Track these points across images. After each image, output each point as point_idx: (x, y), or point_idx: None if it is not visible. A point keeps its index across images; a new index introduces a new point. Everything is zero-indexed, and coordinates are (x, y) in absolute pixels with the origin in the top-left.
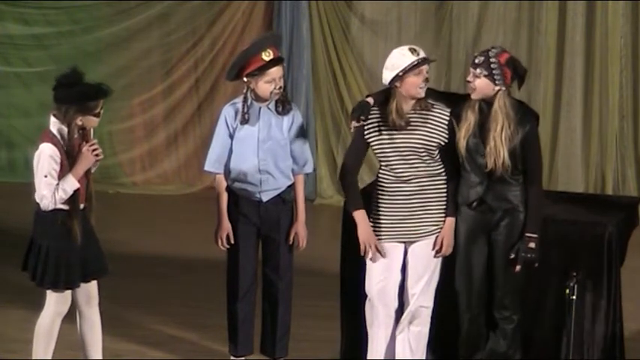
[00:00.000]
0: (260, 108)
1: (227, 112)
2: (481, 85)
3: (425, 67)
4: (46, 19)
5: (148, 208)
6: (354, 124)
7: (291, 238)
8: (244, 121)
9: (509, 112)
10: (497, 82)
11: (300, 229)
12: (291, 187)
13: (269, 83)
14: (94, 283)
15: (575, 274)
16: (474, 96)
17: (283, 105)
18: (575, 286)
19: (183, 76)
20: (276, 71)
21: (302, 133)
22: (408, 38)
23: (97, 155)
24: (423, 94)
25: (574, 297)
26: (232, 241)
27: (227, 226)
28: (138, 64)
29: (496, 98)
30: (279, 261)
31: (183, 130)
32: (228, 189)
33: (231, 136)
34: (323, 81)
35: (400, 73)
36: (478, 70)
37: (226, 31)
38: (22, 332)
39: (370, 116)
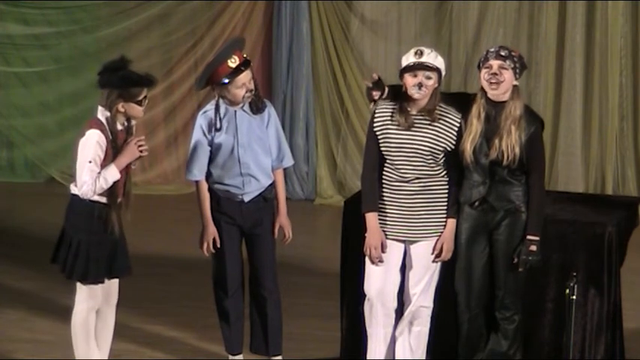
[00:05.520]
0: (235, 112)
1: (201, 122)
2: (509, 77)
3: (421, 72)
4: (46, 19)
5: (148, 208)
6: (373, 104)
7: (276, 231)
8: (217, 130)
9: (522, 107)
10: (517, 75)
11: (284, 220)
12: (272, 186)
13: (240, 89)
14: (115, 282)
15: (575, 274)
16: (498, 91)
17: (257, 105)
18: (575, 286)
19: (183, 76)
20: (244, 76)
21: (279, 128)
22: (408, 38)
23: (141, 151)
24: (417, 97)
25: (574, 297)
26: (218, 246)
27: (213, 230)
28: (138, 64)
29: (514, 93)
30: (263, 258)
31: (183, 130)
32: (210, 190)
33: (210, 144)
34: (323, 81)
35: (400, 71)
36: (508, 62)
37: (226, 31)
38: (22, 332)
39: (381, 112)
